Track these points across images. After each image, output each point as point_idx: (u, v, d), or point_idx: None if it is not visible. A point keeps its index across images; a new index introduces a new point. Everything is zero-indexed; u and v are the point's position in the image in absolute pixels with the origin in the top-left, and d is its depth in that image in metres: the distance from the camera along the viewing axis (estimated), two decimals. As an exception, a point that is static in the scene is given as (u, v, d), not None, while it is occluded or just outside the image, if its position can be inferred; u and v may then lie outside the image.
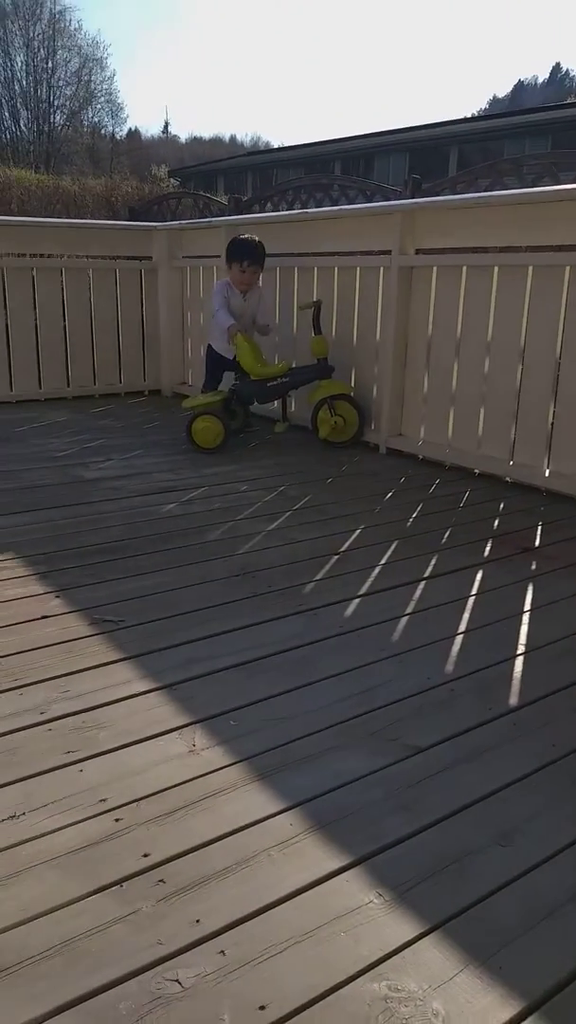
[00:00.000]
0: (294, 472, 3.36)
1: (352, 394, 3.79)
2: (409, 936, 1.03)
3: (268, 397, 3.86)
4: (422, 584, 2.20)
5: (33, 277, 4.72)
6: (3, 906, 1.07)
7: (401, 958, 1.00)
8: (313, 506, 2.88)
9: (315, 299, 3.78)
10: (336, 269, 3.91)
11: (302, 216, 4.26)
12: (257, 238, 3.85)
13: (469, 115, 38.13)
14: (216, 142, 50.74)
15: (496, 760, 1.41)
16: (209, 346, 4.02)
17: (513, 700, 1.62)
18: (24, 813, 1.25)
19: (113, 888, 1.10)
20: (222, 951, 1.00)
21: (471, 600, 2.10)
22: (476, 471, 3.33)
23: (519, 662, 1.78)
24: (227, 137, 53.79)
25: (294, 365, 3.91)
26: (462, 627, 1.94)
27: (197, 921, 1.05)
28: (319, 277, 3.98)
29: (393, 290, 3.52)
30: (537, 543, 2.53)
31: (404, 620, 1.97)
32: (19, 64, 26.72)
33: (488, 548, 2.48)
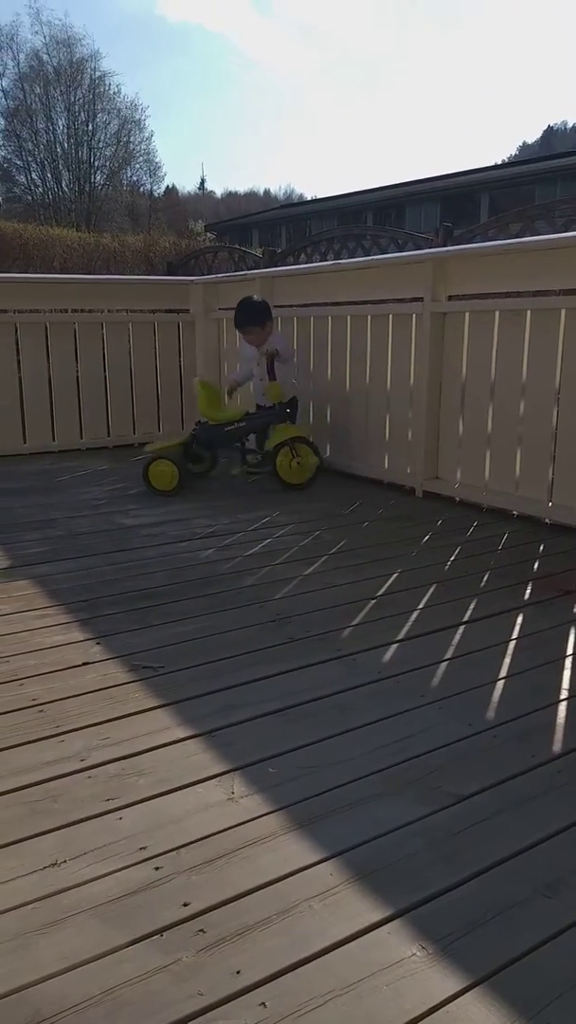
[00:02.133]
0: (330, 516, 3.38)
1: (309, 437, 3.88)
2: (453, 990, 1.01)
3: (226, 441, 4.02)
4: (461, 628, 2.18)
5: (75, 331, 4.87)
6: (44, 955, 1.07)
7: (445, 1013, 0.98)
8: (349, 550, 2.89)
9: (268, 349, 3.87)
10: (369, 317, 3.97)
11: (335, 267, 4.35)
12: (255, 298, 4.06)
13: (500, 161, 38.72)
14: (251, 196, 52.10)
15: (540, 809, 1.38)
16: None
17: (557, 747, 1.59)
18: (65, 861, 1.25)
19: (154, 937, 1.10)
20: (263, 1003, 0.99)
21: (512, 644, 2.08)
22: (514, 513, 3.31)
23: (562, 708, 1.75)
24: (261, 191, 55.13)
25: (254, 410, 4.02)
26: (503, 672, 1.92)
27: (238, 972, 1.04)
28: (352, 325, 4.04)
29: (426, 336, 3.55)
30: (578, 586, 2.50)
31: (444, 665, 1.96)
32: (60, 127, 27.83)
33: (528, 591, 2.46)
